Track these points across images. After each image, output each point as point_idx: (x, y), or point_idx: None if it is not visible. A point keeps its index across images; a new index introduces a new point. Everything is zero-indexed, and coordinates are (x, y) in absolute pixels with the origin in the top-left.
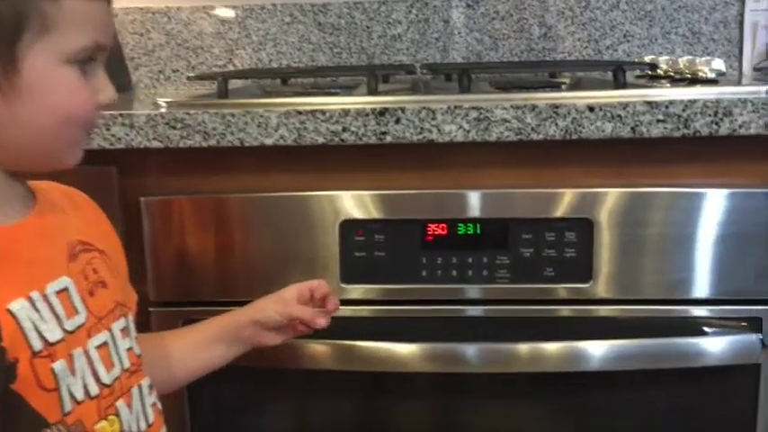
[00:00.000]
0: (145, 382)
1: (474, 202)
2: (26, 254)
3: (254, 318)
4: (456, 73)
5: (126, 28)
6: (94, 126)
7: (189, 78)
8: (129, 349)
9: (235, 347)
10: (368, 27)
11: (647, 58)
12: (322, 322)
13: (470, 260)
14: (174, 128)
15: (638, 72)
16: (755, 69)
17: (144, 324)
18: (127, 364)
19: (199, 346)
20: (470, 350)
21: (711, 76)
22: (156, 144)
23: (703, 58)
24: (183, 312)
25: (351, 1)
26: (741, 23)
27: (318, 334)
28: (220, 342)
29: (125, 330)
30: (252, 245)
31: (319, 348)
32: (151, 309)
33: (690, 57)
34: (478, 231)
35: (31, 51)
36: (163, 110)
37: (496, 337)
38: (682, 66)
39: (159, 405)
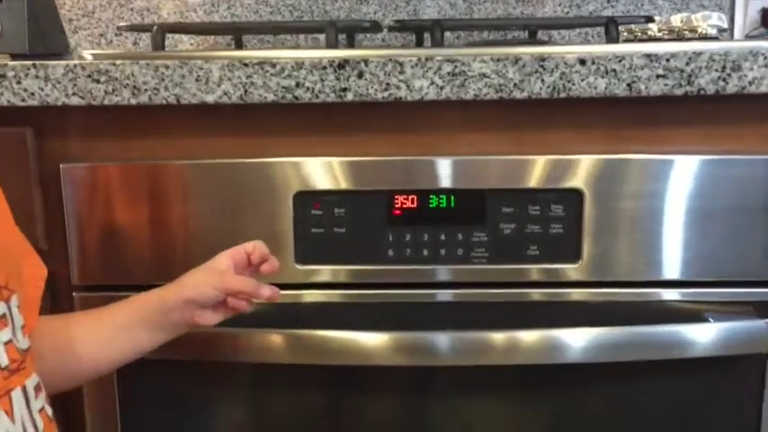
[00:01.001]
0: (30, 383)
1: (447, 171)
2: None
3: (183, 296)
4: (427, 29)
5: None
6: None
7: (119, 29)
8: (8, 342)
9: (162, 333)
10: None
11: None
12: (267, 292)
13: (443, 237)
14: (98, 81)
15: (625, 36)
16: (748, 37)
17: (67, 311)
18: (4, 362)
19: (116, 332)
20: (442, 340)
21: (712, 32)
22: (76, 101)
23: (700, 14)
24: (111, 297)
25: None
26: None
27: (269, 322)
28: (143, 326)
29: (3, 319)
30: (191, 220)
31: (270, 339)
32: (75, 294)
33: (685, 13)
34: (452, 204)
35: None
36: (86, 61)
37: (472, 324)
38: (676, 24)
39: (49, 410)
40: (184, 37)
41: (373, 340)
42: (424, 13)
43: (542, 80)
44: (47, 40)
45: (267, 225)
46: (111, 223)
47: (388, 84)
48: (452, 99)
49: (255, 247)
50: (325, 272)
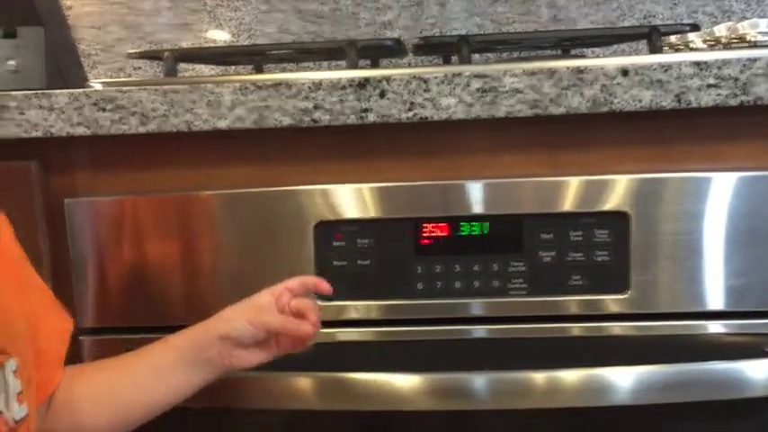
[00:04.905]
0: None
1: (479, 195)
2: None
3: (221, 332)
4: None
5: (81, 21)
6: None
7: (130, 56)
8: None
9: (200, 373)
10: (354, 13)
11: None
12: (307, 329)
13: (477, 267)
14: (104, 109)
15: (665, 51)
16: None
17: (75, 358)
18: None
19: (156, 374)
20: (478, 381)
21: (764, 39)
22: (81, 131)
23: (746, 22)
24: (120, 341)
25: None
26: None
27: (292, 364)
28: (183, 365)
29: None
30: (204, 256)
31: (296, 383)
32: (83, 337)
33: (729, 23)
34: (486, 231)
35: None
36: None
37: (509, 363)
38: (721, 34)
39: None
40: (205, 69)
41: (405, 383)
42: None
43: (581, 94)
44: (64, 75)
45: (287, 258)
46: (123, 260)
47: (412, 103)
48: (483, 117)
49: (302, 284)
50: (349, 308)
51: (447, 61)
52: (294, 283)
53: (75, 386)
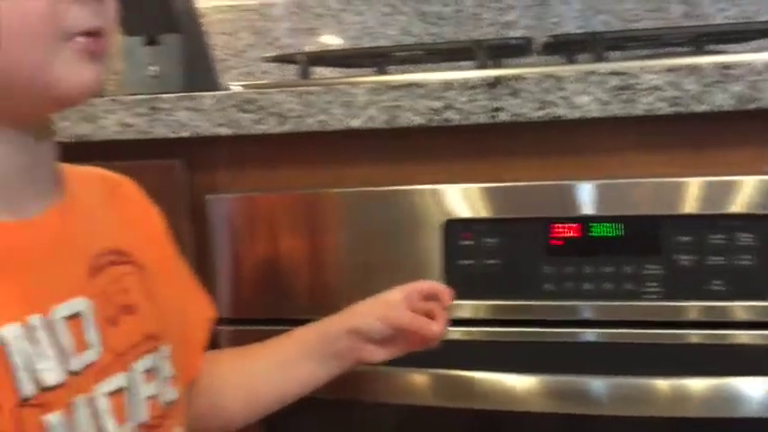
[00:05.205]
0: None
1: (614, 195)
2: (34, 263)
3: (351, 325)
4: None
5: (214, 28)
6: (86, 28)
7: (265, 60)
8: (152, 397)
9: (328, 365)
10: (476, 14)
11: None
12: (436, 328)
13: (609, 270)
14: (245, 111)
15: None
16: None
17: (212, 347)
18: (143, 417)
19: (283, 366)
20: (600, 386)
21: None
22: (224, 130)
23: None
24: (258, 332)
25: None
26: None
27: (413, 360)
28: (309, 358)
29: (151, 372)
30: (337, 250)
31: (414, 378)
32: (220, 327)
33: None
34: (620, 232)
35: None
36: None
37: (636, 369)
38: None
39: None
40: (326, 71)
41: (524, 383)
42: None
43: (726, 90)
44: (200, 79)
45: (415, 255)
46: (258, 254)
47: (545, 101)
48: (620, 116)
49: (431, 287)
50: (475, 307)
51: (571, 60)
52: (425, 285)
53: (215, 371)
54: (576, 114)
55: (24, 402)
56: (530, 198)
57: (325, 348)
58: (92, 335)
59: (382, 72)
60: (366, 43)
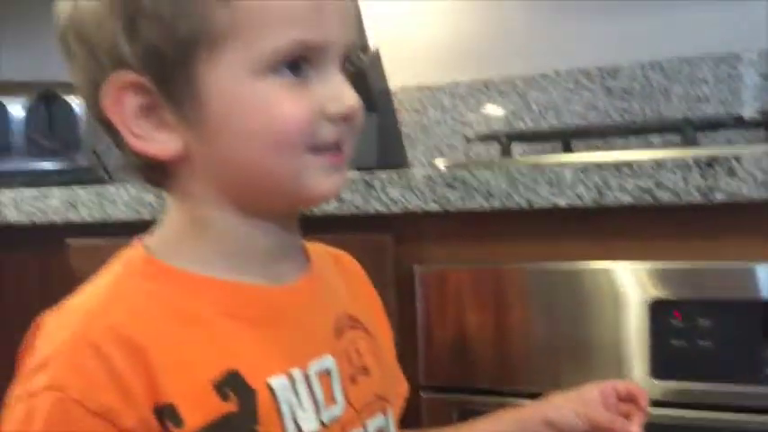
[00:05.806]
0: None
1: None
2: (293, 322)
3: (547, 415)
4: None
5: (403, 105)
6: (332, 142)
7: (468, 140)
8: None
9: None
10: (666, 89)
11: None
12: (633, 430)
13: None
14: (454, 188)
15: None
16: None
17: (413, 411)
18: None
19: None
20: None
21: None
22: (433, 207)
23: None
24: (456, 401)
25: (646, 62)
26: None
27: None
28: None
29: (382, 431)
30: (538, 325)
31: None
32: (422, 393)
33: None
34: None
35: (209, 70)
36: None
37: None
38: None
39: None
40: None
41: None
42: None
43: None
44: (390, 154)
45: (616, 333)
46: (460, 325)
47: (763, 182)
48: None
49: (627, 387)
50: (684, 391)
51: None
52: (621, 386)
53: None
54: None
55: None
56: (745, 278)
57: None
58: (337, 391)
59: (567, 149)
60: (550, 117)
